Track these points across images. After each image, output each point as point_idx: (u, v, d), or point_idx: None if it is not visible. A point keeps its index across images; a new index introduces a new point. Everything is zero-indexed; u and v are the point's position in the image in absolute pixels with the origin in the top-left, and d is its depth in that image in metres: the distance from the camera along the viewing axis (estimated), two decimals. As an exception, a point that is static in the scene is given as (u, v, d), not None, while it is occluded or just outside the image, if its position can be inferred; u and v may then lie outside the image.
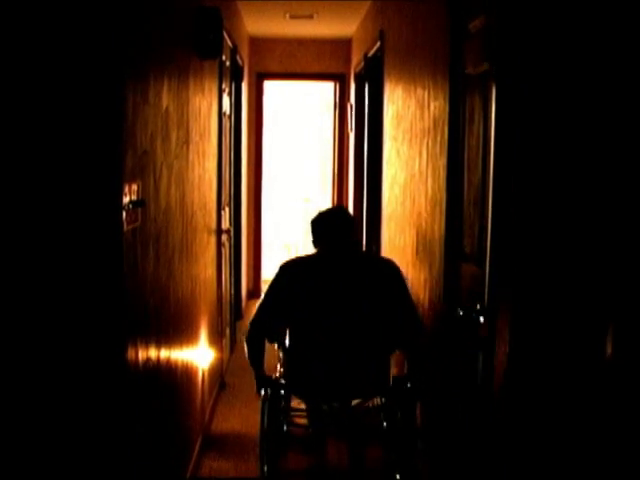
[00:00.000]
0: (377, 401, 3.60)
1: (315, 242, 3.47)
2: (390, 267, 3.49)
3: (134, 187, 2.23)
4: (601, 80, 2.12)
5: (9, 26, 1.90)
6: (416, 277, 3.93)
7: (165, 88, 2.77)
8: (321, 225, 3.46)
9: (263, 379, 3.47)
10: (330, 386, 3.44)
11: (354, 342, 3.37)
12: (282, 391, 3.52)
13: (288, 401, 3.64)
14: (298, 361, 3.47)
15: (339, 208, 3.95)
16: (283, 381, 3.52)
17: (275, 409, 3.47)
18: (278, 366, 3.65)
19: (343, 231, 3.42)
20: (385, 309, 3.39)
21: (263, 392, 3.44)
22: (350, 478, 3.80)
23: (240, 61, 6.60)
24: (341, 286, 3.40)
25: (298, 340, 3.47)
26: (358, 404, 3.55)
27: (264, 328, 3.48)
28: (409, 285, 3.57)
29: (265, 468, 3.45)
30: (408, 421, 3.44)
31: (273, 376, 3.55)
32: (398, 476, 3.47)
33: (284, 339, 3.53)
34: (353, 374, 3.41)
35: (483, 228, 2.54)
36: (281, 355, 3.62)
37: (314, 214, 3.55)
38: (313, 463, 3.92)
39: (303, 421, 3.76)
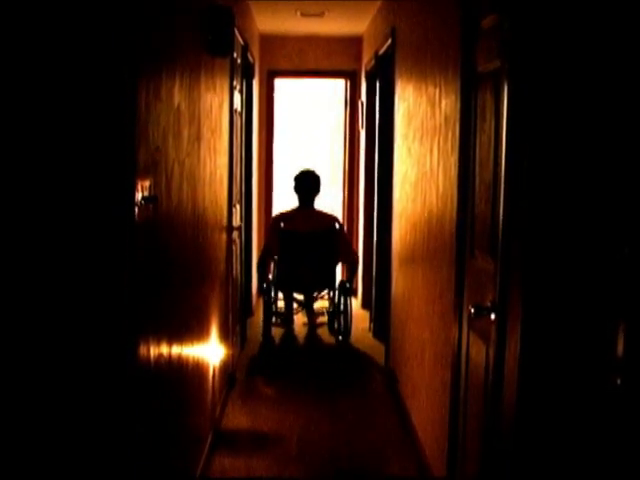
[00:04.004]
0: (327, 295, 6.73)
1: (295, 189, 6.32)
2: (334, 218, 6.35)
3: (146, 183, 2.24)
4: (614, 76, 2.11)
5: (24, 26, 1.91)
6: (427, 274, 3.93)
7: (177, 85, 2.78)
8: (300, 179, 6.33)
9: (263, 284, 6.30)
10: (302, 282, 6.36)
11: (316, 257, 6.17)
12: (273, 288, 6.40)
13: (277, 297, 6.61)
14: (284, 269, 6.28)
15: (312, 171, 6.40)
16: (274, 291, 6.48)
17: (270, 297, 6.29)
18: (270, 276, 6.52)
19: (312, 184, 6.30)
20: (332, 240, 6.17)
21: (265, 287, 6.29)
22: (308, 340, 6.66)
23: (251, 59, 6.61)
24: (307, 226, 6.12)
25: (284, 257, 6.23)
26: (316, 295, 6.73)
27: (268, 253, 6.33)
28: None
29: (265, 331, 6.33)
30: (345, 305, 6.26)
31: (269, 278, 6.43)
32: (340, 337, 6.35)
33: (274, 257, 6.39)
34: (315, 276, 6.30)
35: (494, 225, 2.54)
36: (272, 267, 6.51)
37: (297, 172, 6.45)
38: (285, 332, 6.75)
39: (281, 306, 6.80)
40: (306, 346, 6.52)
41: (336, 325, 6.51)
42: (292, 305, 6.75)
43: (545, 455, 2.25)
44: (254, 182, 7.30)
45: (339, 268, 6.74)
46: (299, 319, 7.03)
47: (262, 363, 5.93)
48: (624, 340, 2.09)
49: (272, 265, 6.54)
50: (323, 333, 6.78)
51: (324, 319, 6.94)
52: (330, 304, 6.68)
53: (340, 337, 6.34)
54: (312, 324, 6.89)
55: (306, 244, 6.12)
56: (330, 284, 6.36)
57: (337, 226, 6.25)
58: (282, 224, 6.20)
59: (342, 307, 6.30)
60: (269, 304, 6.24)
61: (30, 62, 1.92)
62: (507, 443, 2.36)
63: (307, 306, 6.79)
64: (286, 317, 6.77)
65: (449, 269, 3.27)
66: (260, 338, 6.35)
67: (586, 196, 2.17)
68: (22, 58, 1.92)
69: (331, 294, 6.60)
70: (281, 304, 6.85)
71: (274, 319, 6.55)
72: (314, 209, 6.33)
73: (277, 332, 6.68)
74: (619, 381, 2.11)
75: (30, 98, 1.94)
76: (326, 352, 6.30)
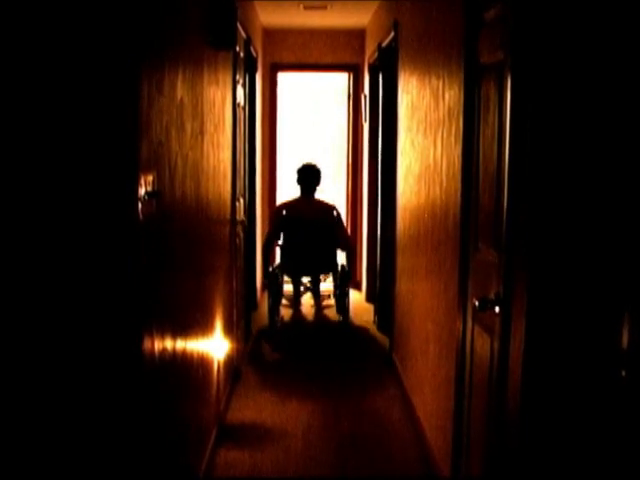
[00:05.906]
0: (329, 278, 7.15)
1: (298, 181, 6.69)
2: (332, 206, 6.67)
3: (149, 178, 2.23)
4: (618, 66, 2.10)
5: (26, 20, 1.90)
6: (431, 267, 3.92)
7: (180, 79, 2.77)
8: (302, 172, 6.70)
9: (268, 267, 6.73)
10: (306, 266, 6.77)
11: (319, 242, 6.56)
12: (278, 273, 6.74)
13: (282, 280, 6.87)
14: (288, 254, 6.66)
15: (313, 164, 6.79)
16: (279, 276, 6.78)
17: (276, 283, 6.70)
18: (277, 259, 7.02)
19: (313, 176, 6.68)
20: (331, 227, 6.56)
21: (270, 270, 6.70)
22: (315, 319, 7.27)
23: (254, 52, 6.60)
24: (309, 213, 6.54)
25: (289, 243, 6.62)
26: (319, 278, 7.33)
27: (272, 238, 6.66)
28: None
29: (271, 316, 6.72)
30: (342, 287, 6.69)
31: (274, 265, 6.91)
32: (341, 317, 6.74)
33: (278, 243, 6.76)
34: (318, 260, 6.67)
35: (498, 217, 2.53)
36: (278, 252, 6.91)
37: (300, 165, 6.82)
38: (293, 312, 7.38)
39: (289, 291, 7.43)
40: (313, 325, 7.09)
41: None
42: (299, 288, 7.39)
43: (550, 447, 2.25)
44: (257, 176, 7.30)
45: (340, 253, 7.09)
46: (308, 302, 7.61)
47: (268, 340, 6.42)
48: (629, 332, 2.09)
49: (277, 251, 6.91)
50: (332, 316, 7.16)
51: (331, 302, 7.38)
52: (335, 287, 7.08)
53: (341, 318, 6.78)
54: (319, 306, 7.48)
55: (309, 229, 6.55)
56: (333, 267, 6.76)
57: (335, 214, 6.65)
58: (285, 212, 6.57)
59: (341, 290, 6.76)
60: (274, 288, 6.66)
61: (32, 56, 1.92)
62: (512, 435, 2.36)
63: (313, 289, 7.42)
64: (294, 299, 7.45)
65: (453, 262, 3.27)
66: (266, 321, 6.74)
67: (590, 188, 2.16)
68: (24, 52, 1.91)
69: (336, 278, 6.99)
70: (288, 287, 7.30)
71: (283, 301, 7.13)
72: (314, 198, 6.71)
73: (286, 313, 7.25)
74: (624, 373, 2.11)
75: (32, 93, 1.93)
76: (331, 331, 6.84)
